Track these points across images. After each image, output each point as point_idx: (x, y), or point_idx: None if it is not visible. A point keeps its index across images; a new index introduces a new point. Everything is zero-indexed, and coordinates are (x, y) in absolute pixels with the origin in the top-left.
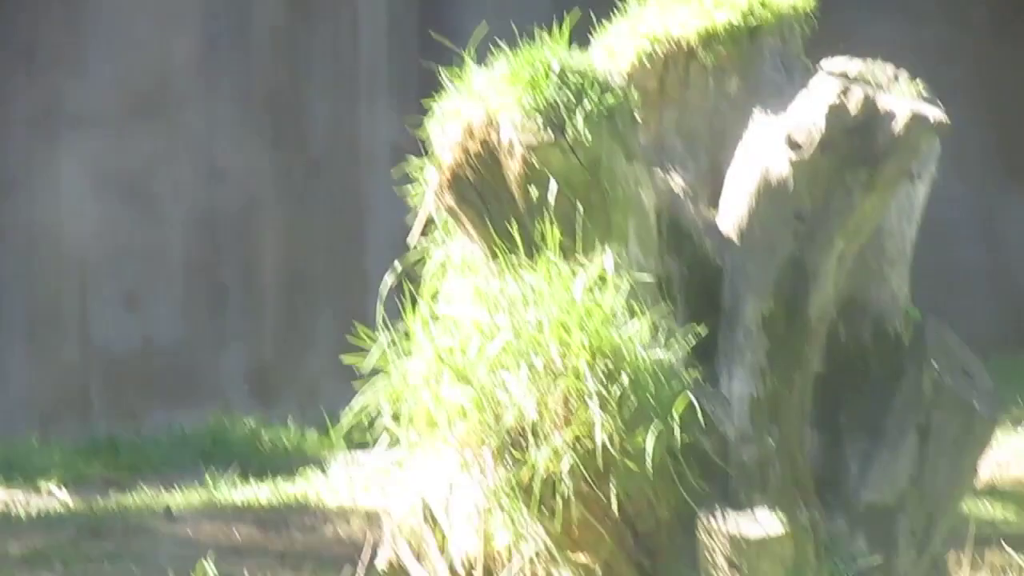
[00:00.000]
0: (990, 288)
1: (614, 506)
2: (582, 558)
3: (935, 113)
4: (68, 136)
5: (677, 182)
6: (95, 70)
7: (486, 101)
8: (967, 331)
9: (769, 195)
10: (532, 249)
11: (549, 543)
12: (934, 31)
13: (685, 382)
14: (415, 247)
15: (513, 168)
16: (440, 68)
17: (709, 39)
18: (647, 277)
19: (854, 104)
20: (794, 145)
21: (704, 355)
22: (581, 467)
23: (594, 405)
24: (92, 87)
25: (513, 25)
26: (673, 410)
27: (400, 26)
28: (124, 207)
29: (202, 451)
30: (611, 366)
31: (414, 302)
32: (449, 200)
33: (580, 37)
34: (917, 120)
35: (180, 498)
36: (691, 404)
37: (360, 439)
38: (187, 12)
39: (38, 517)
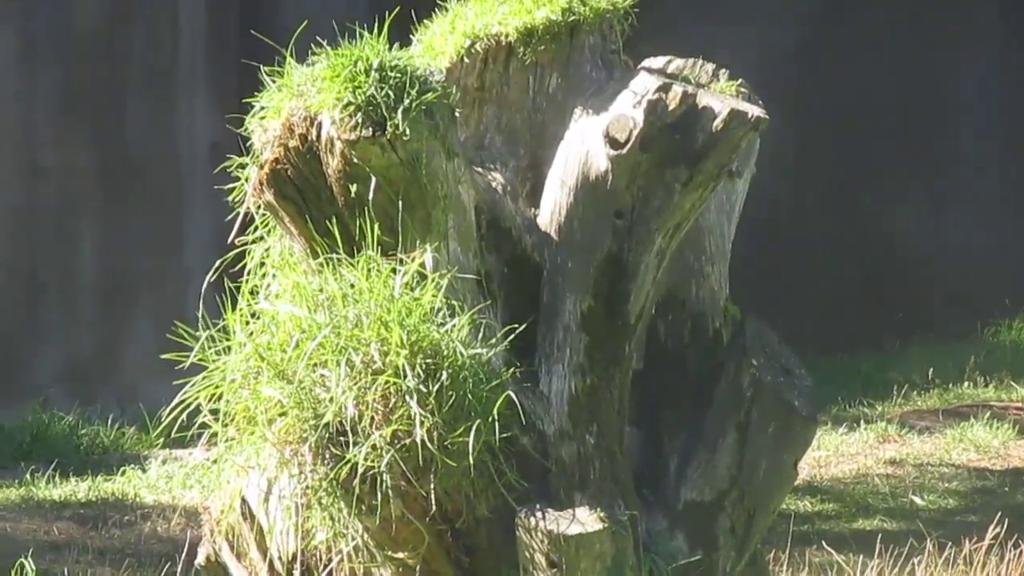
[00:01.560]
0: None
1: (433, 503)
2: (401, 555)
3: (755, 111)
4: None
5: (497, 179)
6: None
7: (306, 98)
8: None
9: (589, 192)
10: (352, 246)
11: (368, 540)
12: (755, 29)
13: (504, 379)
14: (235, 245)
15: (333, 165)
16: (261, 66)
17: (529, 36)
18: (467, 274)
19: (673, 101)
20: (613, 142)
21: (524, 352)
22: (400, 464)
23: (413, 402)
24: None
25: (334, 23)
26: (493, 407)
27: (220, 25)
28: None
29: (20, 448)
30: (431, 363)
31: (234, 300)
32: (269, 197)
33: (401, 35)
34: (736, 117)
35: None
36: (511, 401)
37: (179, 436)
38: (6, 10)
39: None
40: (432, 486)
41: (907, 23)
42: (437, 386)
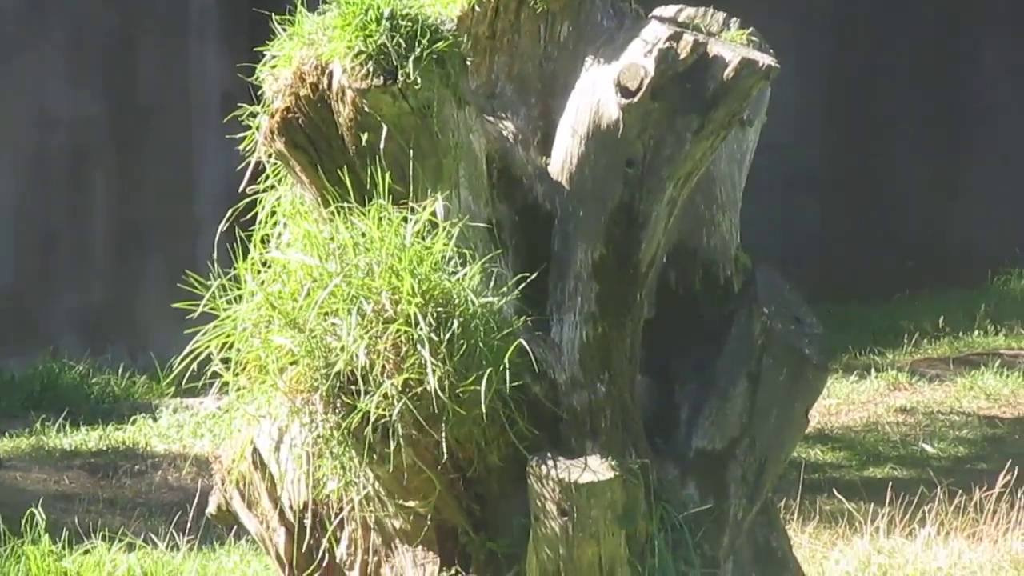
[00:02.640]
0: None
1: (444, 452)
2: (412, 504)
3: (765, 60)
4: None
5: (508, 128)
6: None
7: (317, 47)
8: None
9: (600, 141)
10: (363, 195)
11: (379, 489)
12: None
13: (516, 328)
14: (247, 193)
15: (344, 113)
16: (271, 15)
17: None
18: (478, 223)
19: (684, 50)
20: (624, 91)
21: (535, 301)
22: (412, 412)
23: (425, 351)
24: None
25: None
26: (504, 356)
27: None
28: None
29: (31, 397)
30: (442, 312)
31: (245, 249)
32: (279, 145)
33: None
34: (747, 66)
35: (8, 444)
36: (522, 350)
37: (191, 385)
38: None
39: None
40: (443, 434)
41: None
42: (448, 334)
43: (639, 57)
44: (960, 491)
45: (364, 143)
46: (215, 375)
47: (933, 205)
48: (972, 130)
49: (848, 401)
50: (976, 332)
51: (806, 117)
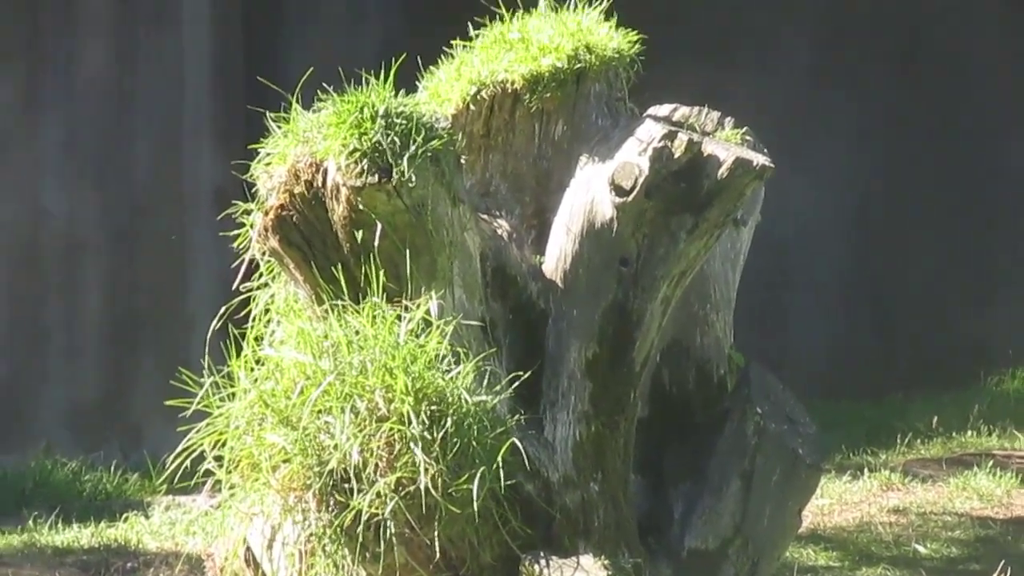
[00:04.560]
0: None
1: (437, 550)
2: None
3: (759, 159)
4: None
5: (502, 226)
6: None
7: (312, 144)
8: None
9: (594, 239)
10: (357, 293)
11: None
12: (753, 79)
13: (509, 426)
14: (240, 291)
15: (338, 211)
16: (267, 112)
17: (535, 83)
18: (472, 321)
19: (679, 149)
20: (619, 189)
21: (529, 400)
22: (405, 511)
23: (418, 449)
24: None
25: (340, 69)
26: (497, 454)
27: (226, 70)
28: None
29: (23, 494)
30: (435, 410)
31: (238, 346)
32: (274, 243)
33: (407, 81)
34: (741, 165)
35: (0, 541)
36: (515, 448)
37: (183, 483)
38: (11, 54)
39: None
40: (436, 533)
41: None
42: (442, 433)
43: (633, 156)
44: None
45: (358, 241)
46: (208, 473)
47: (928, 304)
48: (969, 234)
49: (841, 501)
50: (969, 432)
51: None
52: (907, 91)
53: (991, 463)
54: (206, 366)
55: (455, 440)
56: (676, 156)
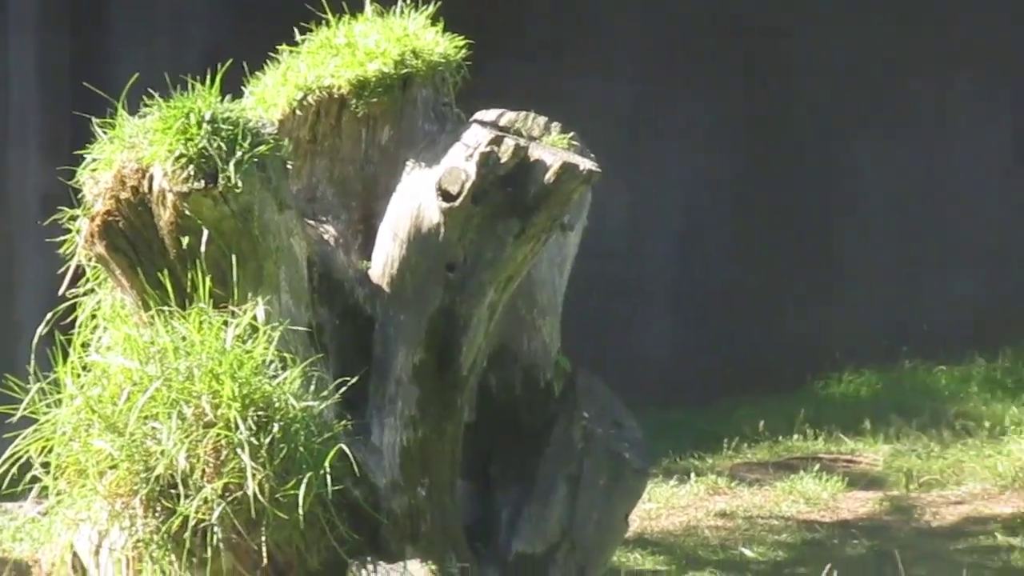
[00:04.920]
0: None
1: (264, 556)
2: None
3: (586, 164)
4: None
5: (329, 231)
6: None
7: (138, 150)
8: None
9: (421, 244)
10: (184, 298)
11: None
12: (586, 82)
13: (336, 432)
14: (67, 297)
15: (165, 217)
16: (93, 119)
17: (361, 88)
18: (299, 327)
19: (505, 154)
20: (446, 195)
21: (356, 405)
22: (232, 517)
23: (245, 455)
24: None
25: (166, 76)
26: (324, 460)
27: (51, 77)
28: None
29: None
30: (262, 415)
31: (65, 352)
32: (100, 248)
33: (234, 87)
34: (568, 170)
35: None
36: (343, 454)
37: (10, 489)
38: None
39: None
40: (263, 539)
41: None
42: (269, 439)
43: (460, 161)
44: None
45: (185, 246)
46: (35, 479)
47: (762, 308)
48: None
49: (668, 505)
50: (796, 436)
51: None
52: (745, 92)
53: (817, 467)
54: (32, 372)
55: (282, 446)
56: (503, 161)
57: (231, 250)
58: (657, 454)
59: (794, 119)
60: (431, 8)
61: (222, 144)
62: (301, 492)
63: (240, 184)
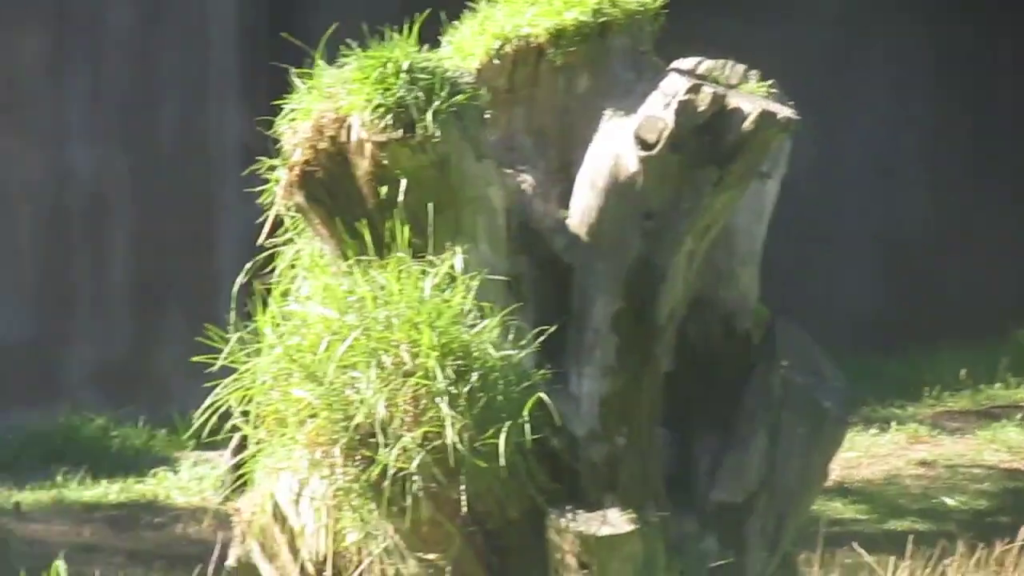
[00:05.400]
0: None
1: (464, 505)
2: (432, 556)
3: (785, 111)
4: None
5: (527, 180)
6: None
7: (336, 100)
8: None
9: (618, 193)
10: (382, 248)
11: (399, 541)
12: (781, 29)
13: (535, 381)
14: (266, 247)
15: (363, 166)
16: (291, 68)
17: (558, 37)
18: (497, 276)
19: (704, 102)
20: (643, 143)
21: (554, 354)
22: (431, 466)
23: (444, 404)
24: None
25: (363, 25)
26: (523, 409)
27: (250, 27)
28: None
29: (52, 450)
30: (461, 365)
31: (264, 301)
32: (299, 198)
33: (430, 36)
34: (766, 118)
35: (30, 497)
36: (541, 403)
37: (211, 439)
38: (38, 10)
39: None
40: (462, 488)
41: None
42: (467, 388)
43: (658, 109)
44: (981, 544)
45: (383, 196)
46: (235, 428)
47: (953, 255)
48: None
49: (868, 454)
50: (997, 384)
51: None
52: (939, 33)
53: (1020, 415)
54: (232, 322)
55: (481, 395)
56: (701, 110)
57: (429, 199)
58: (856, 402)
59: (991, 60)
60: None
61: (420, 94)
62: (500, 441)
63: (438, 133)
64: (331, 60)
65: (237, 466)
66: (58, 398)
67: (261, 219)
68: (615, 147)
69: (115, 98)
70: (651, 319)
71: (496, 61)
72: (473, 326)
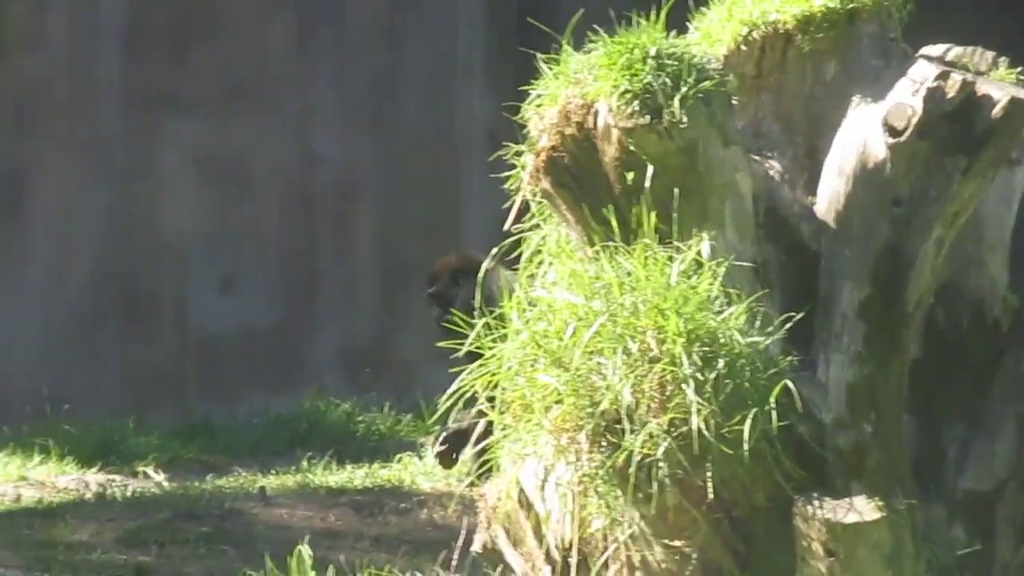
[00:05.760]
0: None
1: (710, 491)
2: (678, 543)
3: None
4: (167, 121)
5: (774, 167)
6: (195, 56)
7: (583, 86)
8: None
9: (866, 180)
10: (628, 234)
11: (644, 528)
12: None
13: (782, 368)
14: (511, 232)
15: (609, 152)
16: (537, 54)
17: (807, 24)
18: (744, 262)
19: (952, 89)
20: (892, 130)
21: (801, 341)
22: (677, 452)
23: (690, 390)
24: (191, 73)
25: (610, 11)
26: (769, 395)
27: (497, 12)
28: (221, 191)
29: (297, 435)
30: (707, 351)
31: (511, 287)
32: (545, 184)
33: (677, 22)
34: (1016, 105)
35: (275, 481)
36: (787, 390)
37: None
38: None
39: (135, 499)
40: (708, 474)
41: None
42: (714, 374)
43: (907, 96)
44: None
45: (629, 182)
46: (480, 414)
47: None
48: None
49: None
50: None
51: None
52: None
53: None
54: (478, 307)
55: (727, 381)
56: (949, 96)
57: (675, 185)
58: None
59: None
60: None
61: (667, 80)
62: (746, 428)
63: (685, 120)
64: (578, 46)
65: (482, 452)
66: (303, 383)
67: (507, 205)
68: (863, 133)
69: (362, 83)
70: (899, 306)
71: (743, 47)
72: (720, 312)
